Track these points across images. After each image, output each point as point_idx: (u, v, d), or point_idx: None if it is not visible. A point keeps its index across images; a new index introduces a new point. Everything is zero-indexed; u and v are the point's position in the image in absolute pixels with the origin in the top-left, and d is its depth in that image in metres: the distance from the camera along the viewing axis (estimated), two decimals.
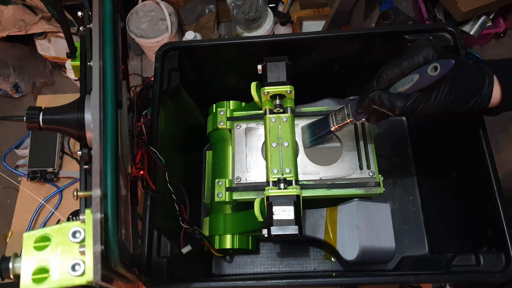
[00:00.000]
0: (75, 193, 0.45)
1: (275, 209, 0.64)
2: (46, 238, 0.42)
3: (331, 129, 0.67)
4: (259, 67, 0.74)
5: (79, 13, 0.61)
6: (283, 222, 0.63)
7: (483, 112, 0.58)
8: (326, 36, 0.77)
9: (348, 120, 0.64)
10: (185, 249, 0.69)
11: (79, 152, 0.54)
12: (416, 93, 0.53)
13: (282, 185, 0.67)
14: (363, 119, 0.62)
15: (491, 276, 0.59)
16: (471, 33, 1.57)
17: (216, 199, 0.73)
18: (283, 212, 0.64)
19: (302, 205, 0.66)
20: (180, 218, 0.71)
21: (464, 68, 0.55)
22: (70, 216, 0.92)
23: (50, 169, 0.94)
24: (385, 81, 0.55)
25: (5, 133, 1.65)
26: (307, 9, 1.68)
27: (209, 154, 0.88)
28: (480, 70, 0.55)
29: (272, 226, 0.63)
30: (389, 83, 0.55)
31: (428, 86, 0.52)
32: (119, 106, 0.49)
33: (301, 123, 0.75)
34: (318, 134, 0.70)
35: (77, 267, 0.40)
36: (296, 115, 0.74)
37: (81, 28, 0.62)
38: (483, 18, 1.55)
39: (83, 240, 0.41)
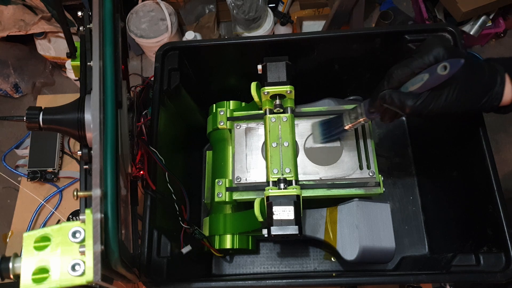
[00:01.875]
0: (75, 193, 0.45)
1: (275, 209, 0.64)
2: (46, 238, 0.42)
3: (345, 127, 0.67)
4: (259, 67, 0.74)
5: (79, 13, 0.61)
6: (283, 222, 0.63)
7: (494, 111, 0.58)
8: (326, 36, 0.77)
9: (361, 119, 0.64)
10: (185, 249, 0.69)
11: (79, 152, 0.54)
12: (426, 93, 0.53)
13: (282, 185, 0.67)
14: (376, 118, 0.62)
15: (491, 276, 0.59)
16: (471, 33, 1.57)
17: (216, 199, 0.73)
18: (283, 212, 0.64)
19: (302, 205, 0.66)
20: (180, 218, 0.71)
21: (475, 67, 0.54)
22: (70, 216, 0.92)
23: (50, 169, 0.94)
24: (396, 81, 0.55)
25: (5, 133, 1.65)
26: (307, 9, 1.68)
27: (209, 154, 0.88)
28: (491, 68, 0.55)
29: (272, 226, 0.63)
30: (399, 83, 0.55)
31: (439, 85, 0.51)
32: (119, 106, 0.49)
33: (301, 123, 0.75)
34: (332, 132, 0.70)
35: (77, 267, 0.40)
36: (296, 115, 0.74)
37: (81, 28, 0.62)
38: (483, 18, 1.55)
39: (83, 240, 0.41)
